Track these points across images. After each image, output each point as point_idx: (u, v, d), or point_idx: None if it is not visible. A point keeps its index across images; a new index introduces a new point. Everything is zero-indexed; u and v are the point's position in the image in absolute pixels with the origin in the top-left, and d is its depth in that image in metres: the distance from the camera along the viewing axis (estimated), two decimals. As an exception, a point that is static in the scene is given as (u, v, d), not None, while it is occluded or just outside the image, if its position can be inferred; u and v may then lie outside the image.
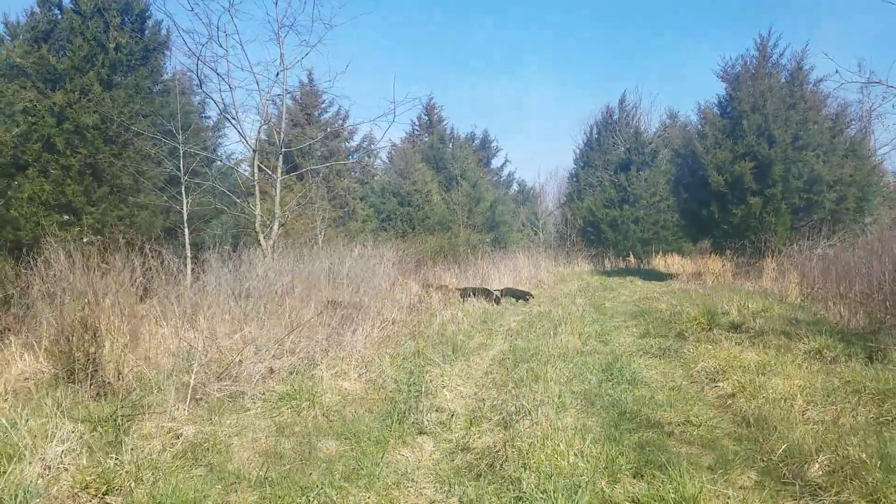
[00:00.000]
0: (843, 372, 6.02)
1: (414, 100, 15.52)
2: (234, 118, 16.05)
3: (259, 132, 15.28)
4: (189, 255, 13.07)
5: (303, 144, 21.38)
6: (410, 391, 5.82)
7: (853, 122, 17.24)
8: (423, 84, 76.65)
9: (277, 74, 15.14)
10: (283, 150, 15.52)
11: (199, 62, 12.43)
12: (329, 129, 28.41)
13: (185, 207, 13.32)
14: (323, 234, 21.65)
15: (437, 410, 5.29)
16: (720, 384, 5.96)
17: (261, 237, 14.79)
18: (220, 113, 15.80)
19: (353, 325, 7.61)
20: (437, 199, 26.80)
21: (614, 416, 5.12)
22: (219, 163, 17.59)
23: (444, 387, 5.92)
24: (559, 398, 5.28)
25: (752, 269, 15.66)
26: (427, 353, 7.25)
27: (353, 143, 29.82)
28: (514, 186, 40.11)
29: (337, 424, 5.06)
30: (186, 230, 13.36)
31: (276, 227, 15.00)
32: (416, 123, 33.93)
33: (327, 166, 23.76)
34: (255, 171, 15.18)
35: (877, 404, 5.01)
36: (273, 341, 6.49)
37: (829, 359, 6.65)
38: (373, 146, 30.00)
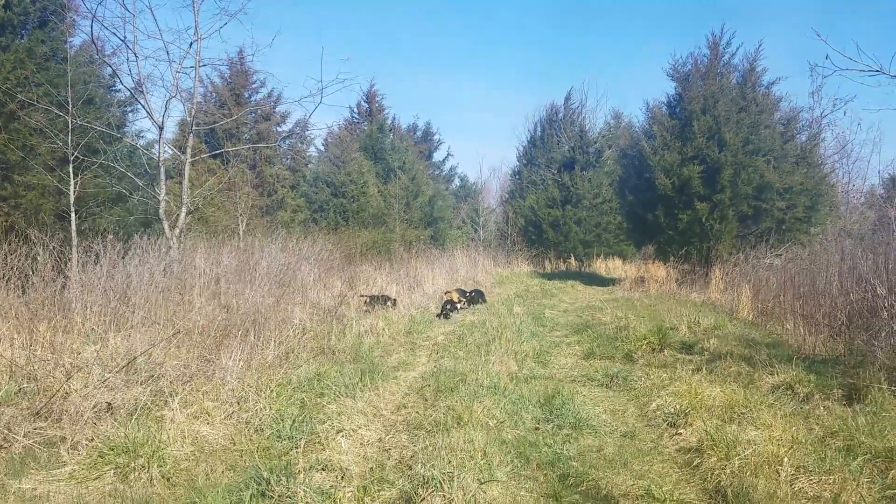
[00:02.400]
0: (822, 416, 5.01)
1: (344, 80, 13.70)
2: (139, 90, 14.25)
3: (166, 107, 13.53)
4: (75, 243, 11.30)
5: (217, 124, 19.36)
6: (294, 438, 4.47)
7: (803, 129, 16.75)
8: (363, 72, 74.67)
9: (191, 45, 13.47)
10: (193, 128, 13.80)
11: (95, 22, 10.71)
12: (258, 111, 26.55)
13: (72, 189, 11.53)
14: (244, 223, 19.93)
15: (323, 469, 3.96)
16: (682, 431, 4.85)
17: (165, 225, 13.13)
18: (132, 87, 13.94)
19: (241, 339, 6.17)
20: (373, 191, 25.35)
21: (554, 483, 3.92)
22: (129, 141, 15.61)
23: (340, 430, 4.60)
24: (484, 456, 4.04)
25: (697, 278, 14.92)
26: (330, 378, 5.90)
27: (286, 128, 28.03)
28: (456, 181, 39.03)
29: (180, 495, 3.68)
30: (73, 216, 11.56)
31: (183, 214, 13.35)
32: (356, 111, 32.38)
33: (248, 147, 21.88)
34: (161, 150, 13.45)
35: (880, 471, 3.98)
36: (120, 363, 5.01)
37: (801, 396, 5.66)
38: (306, 131, 28.30)
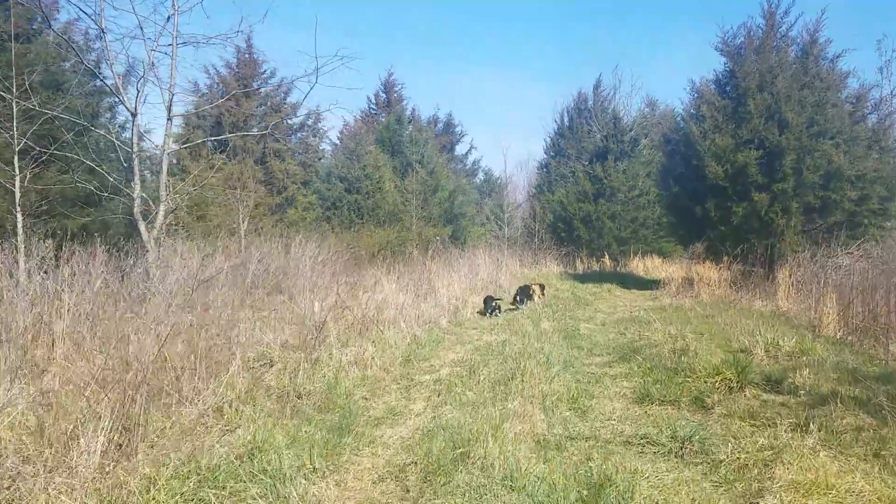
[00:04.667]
0: None
1: (343, 58, 11.79)
2: (98, 68, 12.67)
3: (140, 90, 11.87)
4: (22, 249, 9.66)
5: (204, 109, 17.69)
6: None
7: (874, 109, 14.40)
8: (380, 62, 72.93)
9: (168, 19, 11.80)
10: (171, 115, 12.05)
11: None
12: (268, 102, 24.90)
13: (17, 185, 9.90)
14: (246, 222, 18.26)
15: None
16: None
17: (141, 227, 11.44)
18: (94, 65, 12.23)
19: (128, 397, 4.33)
20: (390, 186, 23.52)
21: None
22: (101, 133, 13.90)
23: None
24: None
25: (757, 281, 12.74)
26: (271, 451, 4.03)
27: (297, 120, 26.35)
28: (480, 175, 37.02)
29: None
30: (19, 216, 9.89)
31: (161, 214, 11.69)
32: (373, 101, 30.59)
33: (236, 137, 20.19)
34: (136, 141, 11.79)
35: None
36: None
37: None
38: (319, 124, 26.57)
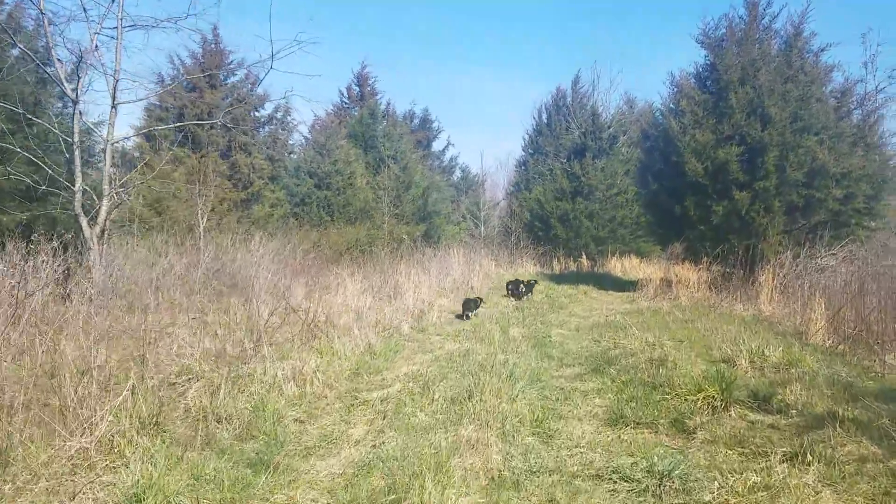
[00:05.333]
0: None
1: (302, 43, 11.00)
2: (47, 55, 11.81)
3: (80, 73, 11.04)
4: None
5: (150, 101, 16.82)
6: None
7: (859, 105, 13.90)
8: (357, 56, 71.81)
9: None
10: (116, 103, 11.18)
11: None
12: (235, 94, 23.93)
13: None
14: (205, 219, 17.34)
15: None
16: None
17: (83, 222, 10.61)
18: (27, 46, 11.25)
19: None
20: (361, 182, 22.70)
21: None
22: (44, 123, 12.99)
23: None
24: None
25: (737, 283, 12.15)
26: (166, 496, 3.28)
27: (265, 113, 25.43)
28: (458, 173, 36.28)
29: None
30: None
31: (104, 208, 10.86)
32: (346, 94, 29.63)
33: (191, 125, 19.26)
34: (76, 130, 10.96)
35: None
36: None
37: None
38: (289, 117, 25.66)
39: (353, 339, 7.62)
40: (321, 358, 6.67)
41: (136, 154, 23.39)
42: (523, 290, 13.69)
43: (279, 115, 25.59)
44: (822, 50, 13.61)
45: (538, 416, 5.00)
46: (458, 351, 7.44)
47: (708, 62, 14.71)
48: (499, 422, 4.77)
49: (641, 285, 14.29)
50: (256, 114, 25.55)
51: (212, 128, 22.96)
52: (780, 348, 6.98)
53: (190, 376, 5.72)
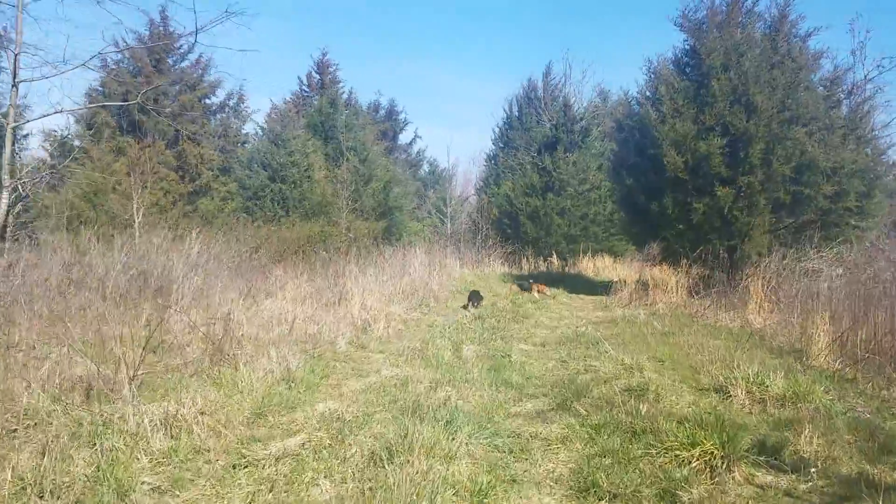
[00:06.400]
0: None
1: (232, 14, 9.45)
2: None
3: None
4: None
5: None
6: None
7: (849, 94, 12.89)
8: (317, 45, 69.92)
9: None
10: (17, 80, 9.62)
11: None
12: (183, 79, 22.28)
13: None
14: (141, 214, 15.78)
15: None
16: None
17: (-25, 219, 9.04)
18: None
19: None
20: (320, 175, 21.22)
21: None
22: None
23: None
24: None
25: (720, 289, 11.03)
26: None
27: (217, 100, 23.79)
28: (425, 167, 34.93)
29: None
30: None
31: (3, 202, 9.39)
32: (305, 82, 28.02)
33: (111, 106, 17.73)
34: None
35: None
36: None
37: None
38: (242, 105, 24.06)
39: (270, 362, 6.24)
40: (219, 391, 5.30)
41: (77, 143, 21.69)
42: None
43: (232, 102, 23.99)
44: (810, 35, 12.62)
45: (482, 486, 3.69)
46: (395, 378, 6.10)
47: (688, 46, 13.61)
48: (426, 500, 3.46)
49: (615, 289, 13.12)
50: (207, 101, 23.93)
51: (158, 115, 21.33)
52: (781, 374, 5.78)
53: (28, 423, 4.33)
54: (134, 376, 5.30)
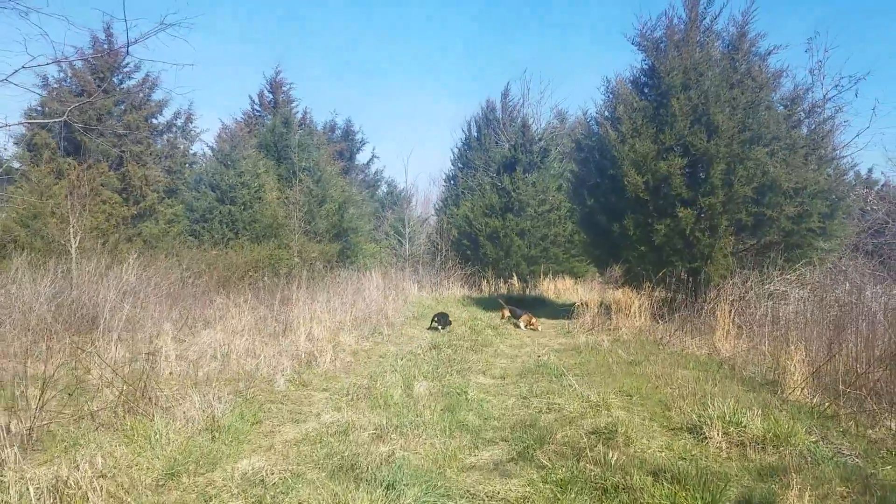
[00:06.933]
0: None
1: (169, 27, 8.62)
2: None
3: None
4: None
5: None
6: None
7: (809, 113, 12.79)
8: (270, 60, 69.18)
9: None
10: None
11: None
12: (129, 100, 21.25)
13: None
14: (78, 238, 14.72)
15: None
16: None
17: None
18: None
19: None
20: (271, 196, 20.40)
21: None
22: None
23: None
24: None
25: (684, 314, 10.65)
26: None
27: (164, 119, 22.79)
28: (384, 187, 34.32)
29: None
30: None
31: None
32: (257, 101, 27.18)
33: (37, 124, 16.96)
34: None
35: None
36: None
37: None
38: (190, 124, 23.12)
39: (193, 408, 5.49)
40: (129, 446, 4.56)
41: (16, 165, 20.49)
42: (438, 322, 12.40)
43: (180, 121, 23.03)
44: (769, 53, 12.47)
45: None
46: (336, 424, 5.41)
47: (646, 66, 13.35)
48: None
49: (577, 313, 12.67)
50: (154, 121, 22.92)
51: (101, 135, 20.28)
52: (758, 412, 5.31)
53: None
54: (31, 428, 4.54)
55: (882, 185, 20.23)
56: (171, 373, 7.36)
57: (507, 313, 13.45)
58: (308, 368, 7.97)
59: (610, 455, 4.54)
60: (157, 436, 4.81)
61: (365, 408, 5.95)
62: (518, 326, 12.70)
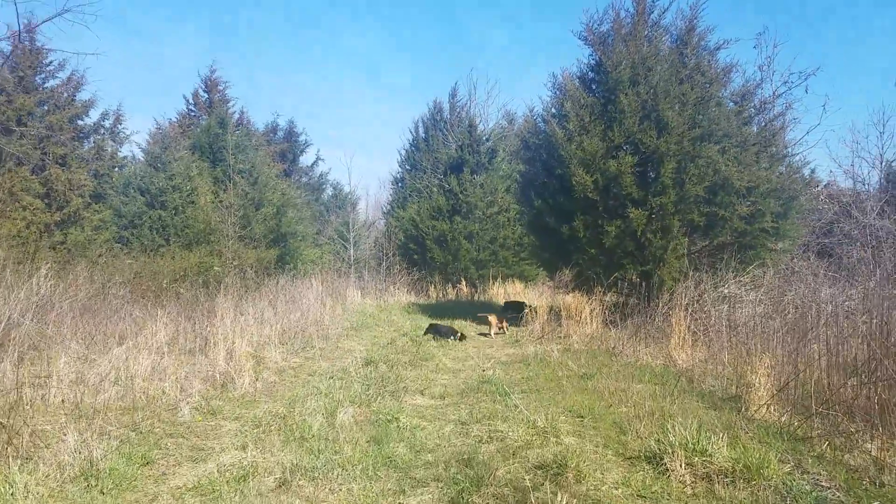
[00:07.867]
0: None
1: (67, 11, 7.57)
2: None
3: None
4: None
5: None
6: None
7: (760, 110, 12.46)
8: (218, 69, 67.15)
9: None
10: None
11: None
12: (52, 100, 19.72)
13: None
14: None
15: None
16: None
17: None
18: None
19: None
20: (205, 200, 19.19)
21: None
22: None
23: None
24: None
25: (637, 319, 10.12)
26: None
27: (91, 121, 21.28)
28: (329, 190, 33.21)
29: None
30: None
31: None
32: (192, 101, 25.78)
33: None
34: None
35: None
36: None
37: None
38: (120, 126, 21.67)
39: (67, 449, 4.55)
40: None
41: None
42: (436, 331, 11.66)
43: (108, 123, 21.55)
44: (719, 48, 12.09)
45: None
46: (237, 467, 4.54)
47: (594, 60, 12.83)
48: None
49: (526, 320, 12.02)
50: (80, 122, 21.38)
51: (21, 137, 18.75)
52: (723, 436, 4.68)
53: None
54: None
55: (826, 185, 20.28)
56: (63, 401, 6.38)
57: (494, 320, 12.33)
58: (223, 392, 7.04)
59: (558, 498, 3.82)
60: (12, 490, 3.87)
61: (276, 443, 5.09)
62: (486, 335, 12.08)
